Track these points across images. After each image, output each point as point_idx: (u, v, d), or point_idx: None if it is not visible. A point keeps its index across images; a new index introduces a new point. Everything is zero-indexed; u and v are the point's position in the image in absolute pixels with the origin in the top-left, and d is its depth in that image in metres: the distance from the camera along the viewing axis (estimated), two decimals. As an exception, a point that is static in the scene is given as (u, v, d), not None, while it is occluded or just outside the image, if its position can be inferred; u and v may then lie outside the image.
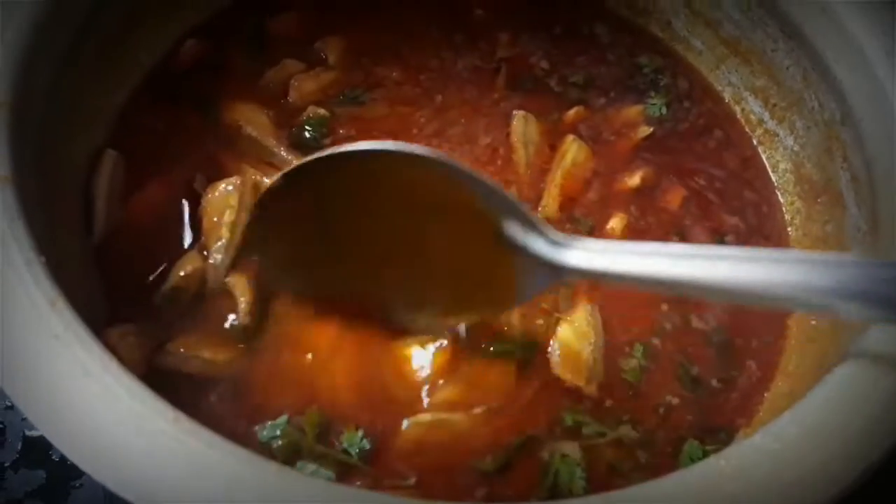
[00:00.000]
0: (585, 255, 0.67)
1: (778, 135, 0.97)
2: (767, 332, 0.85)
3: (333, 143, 0.88)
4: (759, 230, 0.93)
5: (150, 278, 0.78)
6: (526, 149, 0.92)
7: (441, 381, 0.75)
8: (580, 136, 0.94)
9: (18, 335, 0.57)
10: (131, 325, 0.74)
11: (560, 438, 0.75)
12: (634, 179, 0.92)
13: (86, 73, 0.81)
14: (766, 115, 0.98)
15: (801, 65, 0.90)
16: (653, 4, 1.05)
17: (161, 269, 0.79)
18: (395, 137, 0.89)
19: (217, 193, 0.80)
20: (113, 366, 0.56)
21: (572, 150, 0.92)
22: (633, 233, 0.89)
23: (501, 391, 0.76)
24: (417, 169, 0.68)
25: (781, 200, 0.95)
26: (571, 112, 0.97)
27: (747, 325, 0.85)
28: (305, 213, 0.75)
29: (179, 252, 0.79)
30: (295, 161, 0.86)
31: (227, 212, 0.79)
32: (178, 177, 0.84)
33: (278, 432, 0.72)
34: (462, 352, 0.77)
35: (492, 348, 0.78)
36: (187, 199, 0.83)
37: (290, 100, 0.93)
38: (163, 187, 0.83)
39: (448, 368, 0.76)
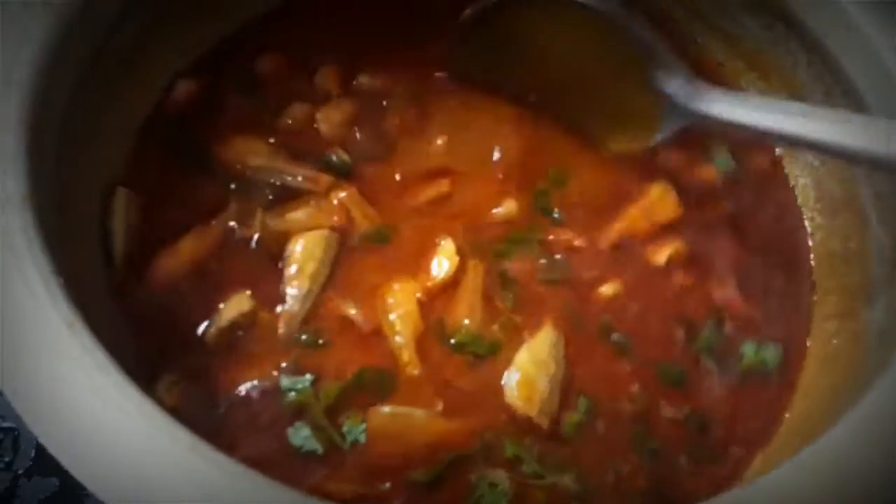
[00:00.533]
0: (715, 105, 0.81)
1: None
2: (760, 414, 0.82)
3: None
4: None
5: (202, 327, 0.78)
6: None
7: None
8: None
9: (34, 356, 0.57)
10: (176, 374, 0.75)
11: (495, 466, 0.74)
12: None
13: (101, 95, 0.80)
14: (787, 130, 0.96)
15: (824, 81, 0.89)
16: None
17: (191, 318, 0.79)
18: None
19: (304, 244, 0.81)
20: (131, 390, 0.55)
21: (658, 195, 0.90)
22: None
23: (456, 384, 0.78)
24: (589, 14, 0.84)
25: (802, 216, 0.94)
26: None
27: (734, 411, 0.81)
28: (494, 40, 0.91)
29: (216, 301, 0.79)
30: (313, 174, 0.87)
31: (311, 263, 0.81)
32: (204, 229, 0.84)
33: (299, 386, 0.75)
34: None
35: (452, 340, 0.79)
36: (216, 251, 0.83)
37: (323, 132, 0.91)
38: (191, 242, 0.83)
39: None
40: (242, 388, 0.75)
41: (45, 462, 0.87)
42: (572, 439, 0.76)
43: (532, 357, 0.78)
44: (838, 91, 0.87)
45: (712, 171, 0.94)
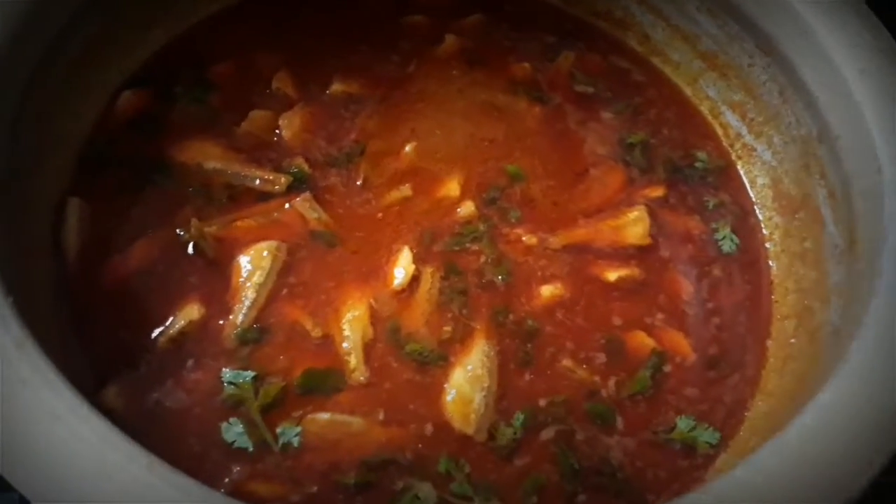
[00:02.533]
0: None
1: (756, 149, 0.96)
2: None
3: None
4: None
5: (157, 332, 0.77)
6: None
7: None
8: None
9: (-17, 378, 0.55)
10: (125, 380, 0.74)
11: (424, 477, 0.73)
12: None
13: (48, 106, 0.79)
14: (745, 130, 0.98)
15: (778, 81, 0.90)
16: (630, 18, 1.04)
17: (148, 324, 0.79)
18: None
19: (252, 255, 0.82)
20: (83, 409, 0.55)
21: (633, 219, 0.90)
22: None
23: (401, 394, 0.77)
24: None
25: (760, 216, 0.95)
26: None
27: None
28: None
29: (166, 308, 0.79)
30: (271, 176, 0.86)
31: (258, 273, 0.81)
32: (155, 236, 0.83)
33: (239, 380, 0.75)
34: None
35: (406, 348, 0.79)
36: (168, 258, 0.82)
37: (285, 138, 0.91)
38: (143, 249, 0.82)
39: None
40: (185, 386, 0.75)
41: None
42: (506, 455, 0.76)
43: (466, 374, 0.78)
44: (792, 90, 0.88)
45: (701, 227, 0.93)
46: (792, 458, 0.59)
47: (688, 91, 1.03)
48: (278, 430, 0.74)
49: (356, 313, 0.80)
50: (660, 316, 0.86)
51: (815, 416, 0.61)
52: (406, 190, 0.89)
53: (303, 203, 0.86)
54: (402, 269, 0.83)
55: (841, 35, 0.80)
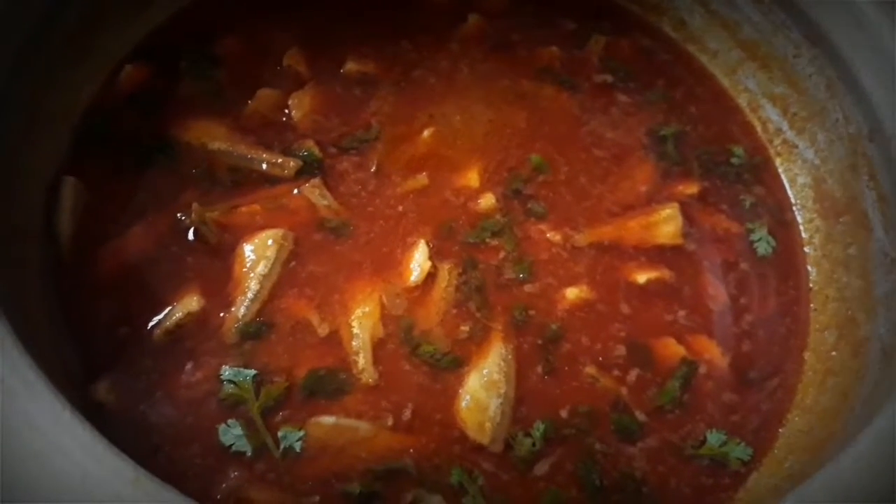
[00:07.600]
0: None
1: (797, 146, 0.91)
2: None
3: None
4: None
5: (153, 323, 0.73)
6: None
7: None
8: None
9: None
10: (118, 373, 0.71)
11: (434, 489, 0.69)
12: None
13: (42, 78, 0.75)
14: (785, 125, 0.92)
15: (826, 74, 0.85)
16: (666, 1, 0.99)
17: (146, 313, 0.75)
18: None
19: (256, 243, 0.78)
20: (65, 416, 0.50)
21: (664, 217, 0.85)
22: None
23: (412, 398, 0.73)
24: None
25: (799, 218, 0.89)
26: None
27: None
28: None
29: (164, 297, 0.75)
30: (279, 159, 0.82)
31: (262, 263, 0.77)
32: (154, 220, 0.79)
33: (239, 379, 0.71)
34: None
35: (419, 349, 0.75)
36: (167, 244, 0.78)
37: (295, 119, 0.86)
38: (141, 234, 0.78)
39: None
40: (183, 383, 0.71)
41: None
42: (524, 468, 0.71)
43: (482, 379, 0.73)
44: (842, 85, 0.83)
45: (736, 227, 0.87)
46: (844, 492, 0.54)
47: (725, 82, 0.97)
48: (280, 433, 0.70)
49: (366, 310, 0.76)
50: (690, 321, 0.81)
51: (870, 445, 0.56)
52: (422, 178, 0.84)
53: (312, 189, 0.81)
54: (417, 264, 0.78)
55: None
